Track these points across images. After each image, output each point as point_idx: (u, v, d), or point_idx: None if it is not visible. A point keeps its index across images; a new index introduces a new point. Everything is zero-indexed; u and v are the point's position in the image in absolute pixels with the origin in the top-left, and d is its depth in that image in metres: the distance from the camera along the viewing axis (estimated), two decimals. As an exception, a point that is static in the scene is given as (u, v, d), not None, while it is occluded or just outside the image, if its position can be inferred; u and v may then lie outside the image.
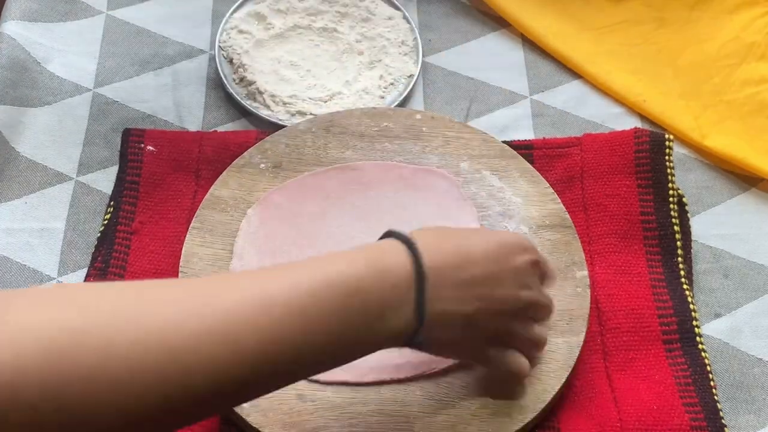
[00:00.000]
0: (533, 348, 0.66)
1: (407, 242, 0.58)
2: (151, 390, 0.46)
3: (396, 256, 0.57)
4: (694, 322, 0.73)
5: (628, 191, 0.79)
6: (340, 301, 0.53)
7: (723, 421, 0.69)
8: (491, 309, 0.61)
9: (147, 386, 0.46)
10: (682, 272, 0.76)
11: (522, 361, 0.65)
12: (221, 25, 0.93)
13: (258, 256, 0.75)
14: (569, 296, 0.72)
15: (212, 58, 0.91)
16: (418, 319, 0.57)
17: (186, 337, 0.47)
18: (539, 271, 0.65)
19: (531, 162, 0.80)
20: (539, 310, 0.65)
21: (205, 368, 0.48)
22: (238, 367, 0.49)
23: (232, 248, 0.75)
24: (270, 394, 0.67)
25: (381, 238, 0.60)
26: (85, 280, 0.76)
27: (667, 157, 0.80)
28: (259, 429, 0.66)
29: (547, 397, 0.68)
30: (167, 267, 0.75)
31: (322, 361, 0.55)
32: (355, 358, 0.56)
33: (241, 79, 0.88)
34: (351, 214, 0.77)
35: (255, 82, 0.88)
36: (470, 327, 0.60)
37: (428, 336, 0.58)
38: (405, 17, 0.94)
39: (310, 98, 0.87)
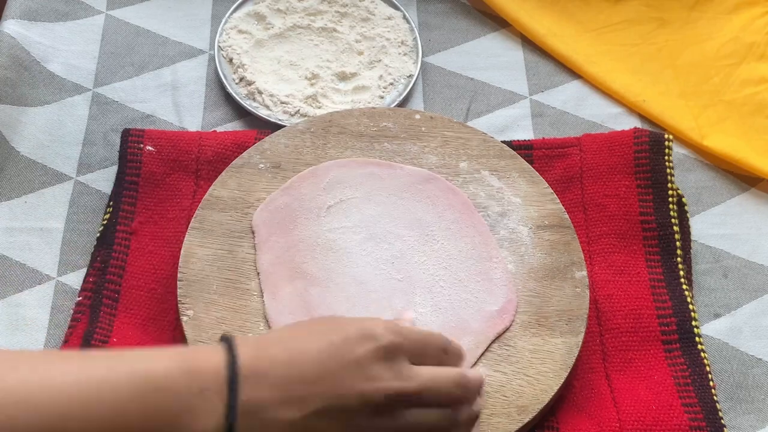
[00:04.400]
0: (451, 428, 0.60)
1: (228, 342, 0.55)
2: None
3: (210, 355, 0.54)
4: (694, 323, 0.73)
5: (627, 191, 0.79)
6: (140, 397, 0.51)
7: (722, 422, 0.69)
8: (333, 409, 0.55)
9: None
10: (681, 272, 0.76)
11: None
12: (221, 25, 0.93)
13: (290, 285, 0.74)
14: (568, 296, 0.72)
15: (212, 58, 0.91)
16: (227, 426, 0.53)
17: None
18: (404, 354, 0.58)
19: (530, 162, 0.80)
20: (418, 398, 0.57)
21: None
22: None
23: (231, 248, 0.75)
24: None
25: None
26: (84, 280, 0.76)
27: (666, 157, 0.80)
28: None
29: (546, 398, 0.68)
30: (166, 267, 0.75)
31: None
32: None
33: (241, 79, 0.88)
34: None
35: (254, 82, 0.88)
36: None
37: None
38: (405, 17, 0.94)
39: (309, 98, 0.87)
